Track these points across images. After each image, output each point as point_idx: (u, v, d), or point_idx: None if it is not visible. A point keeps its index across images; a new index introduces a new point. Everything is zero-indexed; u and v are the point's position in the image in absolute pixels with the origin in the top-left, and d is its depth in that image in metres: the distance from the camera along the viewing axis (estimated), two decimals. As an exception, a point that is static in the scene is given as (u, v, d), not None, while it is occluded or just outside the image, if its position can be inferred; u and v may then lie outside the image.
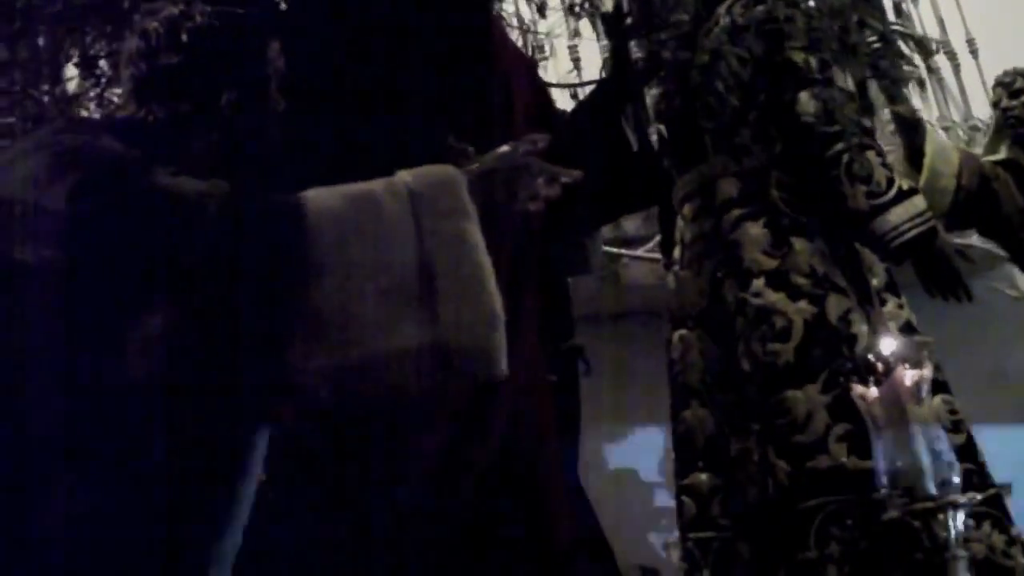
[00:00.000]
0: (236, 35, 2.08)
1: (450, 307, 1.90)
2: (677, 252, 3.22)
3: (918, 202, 2.98)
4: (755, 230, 3.04)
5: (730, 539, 3.02)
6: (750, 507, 2.99)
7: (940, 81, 6.02)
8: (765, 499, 2.94)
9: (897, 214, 2.95)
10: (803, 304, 2.96)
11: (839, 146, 2.96)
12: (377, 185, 1.96)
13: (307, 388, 1.84)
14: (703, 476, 3.07)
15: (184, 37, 2.04)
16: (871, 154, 2.98)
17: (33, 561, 1.74)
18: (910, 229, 2.95)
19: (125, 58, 2.09)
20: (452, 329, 1.89)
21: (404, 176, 1.97)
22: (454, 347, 1.89)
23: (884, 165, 2.98)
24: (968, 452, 2.86)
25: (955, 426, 2.89)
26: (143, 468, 1.80)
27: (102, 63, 2.67)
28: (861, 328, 2.96)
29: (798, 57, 2.95)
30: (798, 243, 3.01)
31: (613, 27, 3.13)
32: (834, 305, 2.97)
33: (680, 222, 3.23)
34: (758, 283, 3.00)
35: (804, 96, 2.99)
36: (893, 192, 2.96)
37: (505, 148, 2.08)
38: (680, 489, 3.11)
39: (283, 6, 2.49)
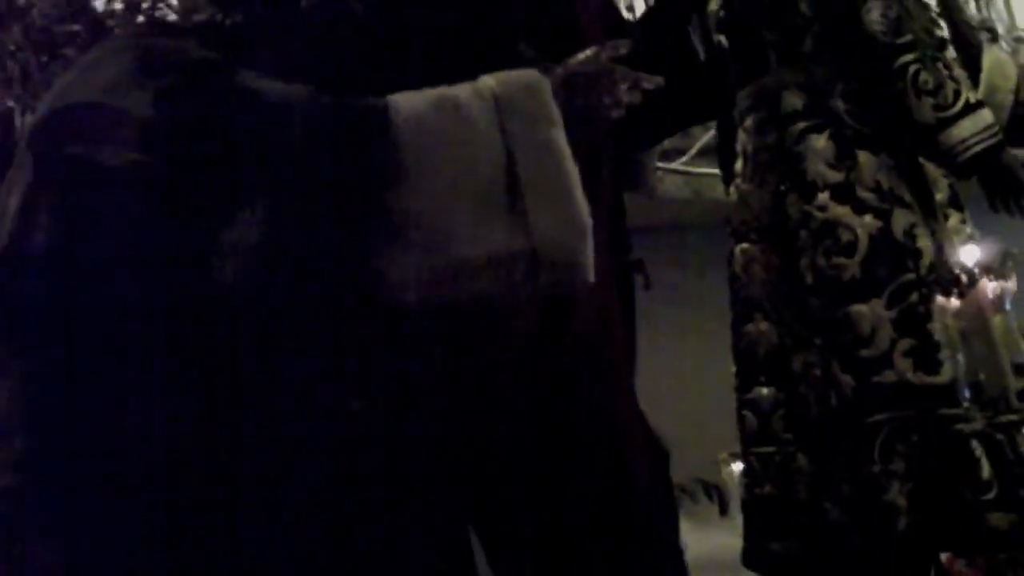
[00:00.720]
0: None
1: (539, 215, 1.88)
2: (739, 165, 3.19)
3: (986, 115, 2.94)
4: (820, 143, 3.00)
5: (792, 453, 3.01)
6: (812, 421, 2.97)
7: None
8: (828, 413, 2.93)
9: (964, 127, 2.92)
10: (868, 218, 2.94)
11: (906, 57, 2.91)
12: (462, 90, 1.93)
13: (394, 292, 1.82)
14: (765, 390, 3.06)
15: None
16: (939, 66, 2.93)
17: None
18: (977, 143, 2.91)
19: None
20: (541, 237, 1.87)
21: (489, 81, 1.94)
22: (543, 254, 1.87)
23: (952, 78, 2.94)
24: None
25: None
26: (230, 369, 1.79)
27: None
28: (926, 243, 2.94)
29: None
30: (863, 156, 2.98)
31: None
32: (899, 219, 2.94)
33: (742, 134, 3.19)
34: (823, 196, 2.97)
35: (872, 6, 2.94)
36: (960, 105, 2.92)
37: (588, 53, 2.05)
38: (741, 403, 3.10)
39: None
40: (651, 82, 2.06)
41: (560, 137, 1.92)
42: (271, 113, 1.83)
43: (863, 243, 2.91)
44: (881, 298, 2.88)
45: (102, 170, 1.81)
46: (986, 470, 2.78)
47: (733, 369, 3.15)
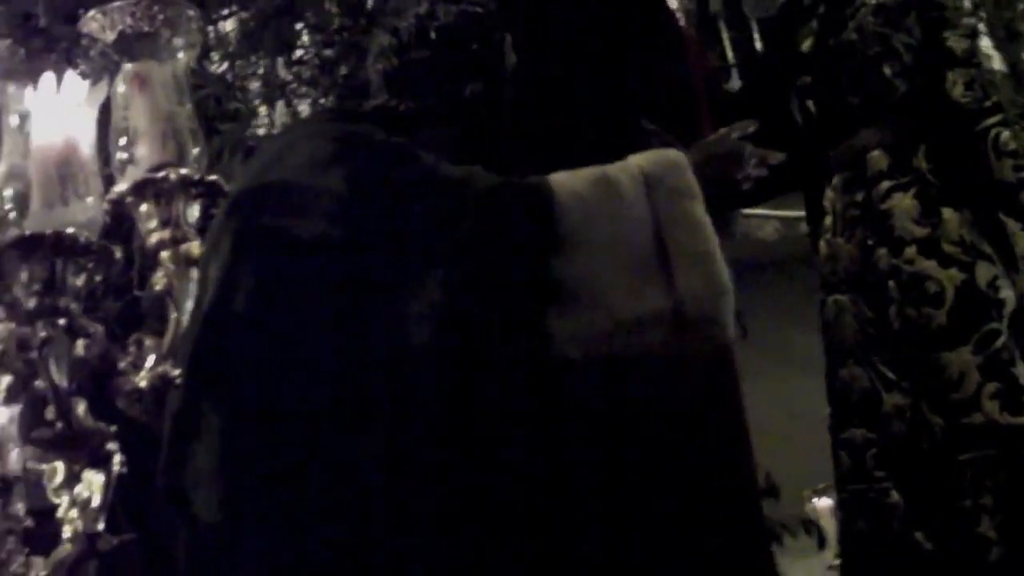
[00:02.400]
0: (477, 31, 2.30)
1: (685, 279, 2.12)
2: (828, 221, 3.43)
3: (1063, 175, 3.18)
4: (906, 201, 3.24)
5: (885, 490, 3.23)
6: (904, 460, 3.20)
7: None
8: (919, 452, 3.16)
9: (1043, 186, 3.15)
10: (953, 271, 3.17)
11: (989, 121, 3.15)
12: (613, 169, 2.18)
13: (564, 353, 2.06)
14: (858, 431, 3.29)
15: (432, 34, 2.27)
16: (1019, 129, 3.17)
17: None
18: (1055, 200, 3.14)
19: (374, 53, 2.31)
20: (689, 299, 2.11)
21: (637, 160, 2.19)
22: (691, 315, 2.11)
23: (1030, 139, 3.17)
24: None
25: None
26: (424, 429, 2.03)
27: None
28: (1009, 293, 3.16)
29: (956, 44, 3.14)
30: (947, 212, 3.21)
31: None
32: (983, 272, 3.17)
33: (830, 193, 3.43)
34: (910, 251, 3.21)
35: (957, 77, 3.19)
36: (1039, 165, 3.15)
37: (721, 132, 2.30)
38: (836, 443, 3.33)
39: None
40: (775, 158, 2.31)
41: (701, 209, 2.17)
42: (450, 190, 2.08)
43: (949, 294, 3.15)
44: (968, 345, 3.11)
45: (298, 241, 2.05)
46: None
47: (828, 411, 3.37)
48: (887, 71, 3.17)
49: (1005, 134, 3.15)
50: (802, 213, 3.73)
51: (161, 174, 1.77)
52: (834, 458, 3.35)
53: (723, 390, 2.30)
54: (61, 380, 1.64)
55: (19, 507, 1.94)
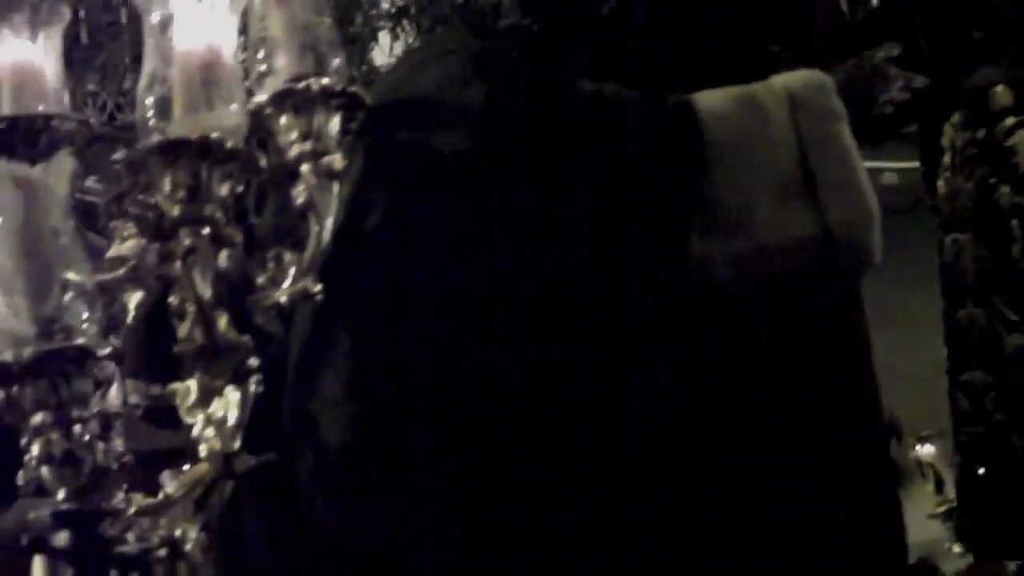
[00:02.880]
0: None
1: (833, 203, 2.03)
2: (946, 159, 3.33)
3: None
4: (1030, 138, 3.15)
5: (1004, 433, 3.15)
6: (1024, 402, 3.13)
7: None
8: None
9: None
10: (1080, 210, 3.07)
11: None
12: (757, 88, 2.10)
13: (710, 275, 1.99)
14: (977, 373, 3.21)
15: None
16: None
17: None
18: None
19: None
20: (836, 224, 2.02)
21: (781, 80, 2.10)
22: (839, 240, 2.02)
23: None
24: None
25: None
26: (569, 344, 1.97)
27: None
28: None
29: None
30: (1074, 149, 3.11)
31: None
32: (1111, 208, 3.08)
33: (949, 130, 3.34)
34: (1035, 188, 3.11)
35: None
36: None
37: (865, 54, 2.21)
38: (954, 386, 3.25)
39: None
40: (920, 81, 2.22)
41: (847, 132, 2.08)
42: (593, 107, 2.01)
43: (1074, 232, 3.05)
44: (1095, 284, 3.02)
45: (435, 156, 1.99)
46: None
47: (944, 353, 3.29)
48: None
49: None
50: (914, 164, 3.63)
51: (301, 84, 1.70)
52: (951, 401, 3.28)
53: (858, 320, 2.23)
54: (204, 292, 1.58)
55: (118, 443, 1.89)
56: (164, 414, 1.84)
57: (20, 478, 1.68)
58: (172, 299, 1.68)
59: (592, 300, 1.99)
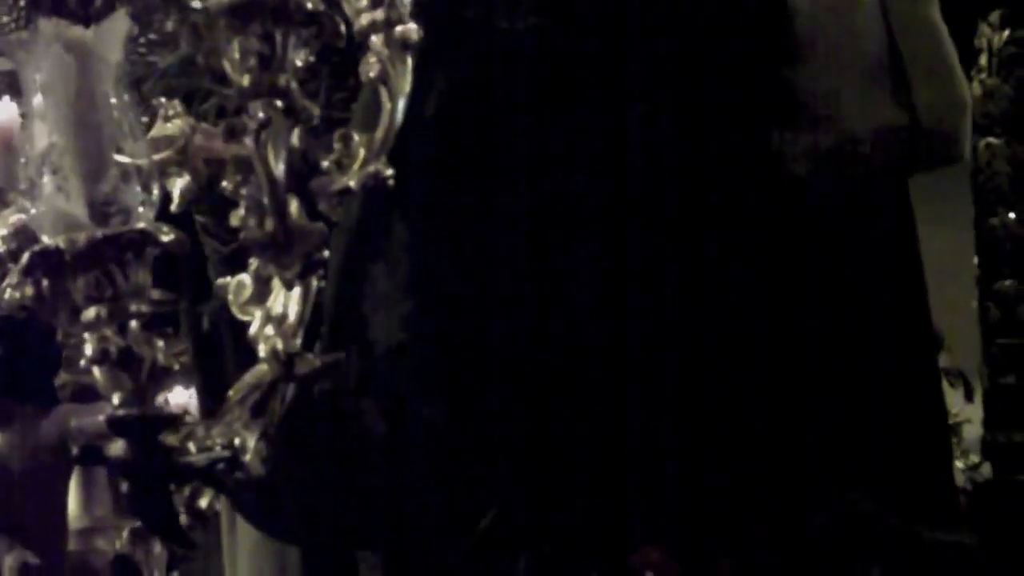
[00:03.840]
0: None
1: (924, 92, 1.91)
2: (983, 59, 3.20)
3: None
4: (1075, 36, 3.01)
5: (1037, 345, 3.05)
6: (1060, 313, 3.02)
7: None
8: (1078, 305, 2.97)
9: None
10: (1125, 110, 2.95)
11: None
12: (846, -34, 1.95)
13: (792, 170, 1.86)
14: (1009, 282, 3.10)
15: None
16: None
17: None
18: None
19: None
20: (925, 112, 1.90)
21: (867, -40, 1.96)
22: (927, 129, 1.91)
23: None
24: None
25: None
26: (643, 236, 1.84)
27: None
28: None
29: None
30: (1118, 49, 2.99)
31: None
32: None
33: (986, 28, 3.20)
34: (1078, 90, 2.99)
35: None
36: None
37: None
38: (985, 294, 3.14)
39: None
40: None
41: (938, 16, 1.95)
42: None
43: (1120, 134, 2.93)
44: None
45: (500, 34, 1.84)
46: None
47: (975, 260, 3.18)
48: None
49: None
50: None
51: (375, -56, 1.53)
52: (981, 311, 3.16)
53: (911, 227, 2.12)
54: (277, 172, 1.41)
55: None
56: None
57: (59, 380, 1.52)
58: (225, 183, 1.51)
59: (668, 191, 1.86)
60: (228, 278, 1.63)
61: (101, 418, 1.41)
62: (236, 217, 1.56)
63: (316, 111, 1.44)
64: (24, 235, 1.74)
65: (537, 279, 1.87)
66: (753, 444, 1.87)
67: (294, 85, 1.42)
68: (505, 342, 1.84)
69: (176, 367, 1.41)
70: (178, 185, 1.65)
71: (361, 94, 1.79)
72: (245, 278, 1.60)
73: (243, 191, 1.56)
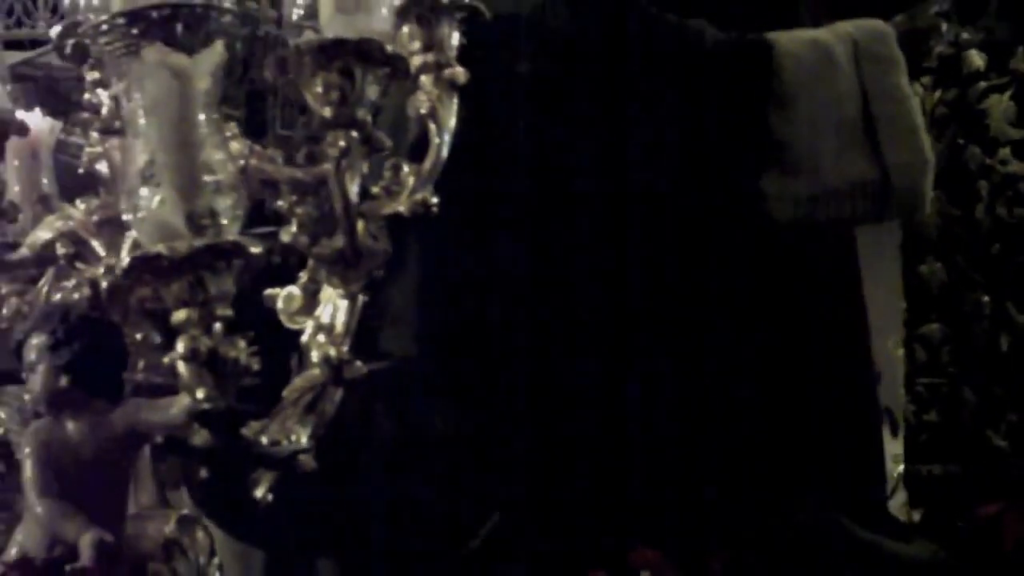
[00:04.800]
0: None
1: (891, 149, 2.11)
2: (918, 119, 3.42)
3: None
4: (1003, 102, 3.24)
5: (958, 386, 3.27)
6: (979, 357, 3.24)
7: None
8: (997, 351, 3.19)
9: None
10: (1047, 174, 3.19)
11: (1094, 29, 3.16)
12: (825, 33, 2.16)
13: (772, 212, 2.05)
14: (935, 326, 3.32)
15: None
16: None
17: None
18: None
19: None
20: (895, 170, 2.11)
21: (846, 27, 2.17)
22: (894, 185, 2.11)
23: None
24: None
25: None
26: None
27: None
28: (1098, 200, 3.20)
29: None
30: (1044, 116, 3.22)
31: None
32: (1078, 177, 3.20)
33: (919, 90, 3.41)
34: (1004, 151, 3.21)
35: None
36: None
37: (917, 7, 2.28)
38: (911, 337, 3.36)
39: None
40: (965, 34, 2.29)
41: (907, 83, 2.16)
42: (679, 38, 2.05)
43: (1042, 197, 3.17)
44: (1060, 247, 3.14)
45: (513, 78, 2.01)
46: None
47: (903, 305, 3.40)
48: None
49: (1110, 44, 3.16)
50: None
51: (428, -6, 1.70)
52: (907, 351, 3.37)
53: (858, 271, 2.32)
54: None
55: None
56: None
57: (133, 375, 1.66)
58: (281, 203, 1.67)
59: (657, 226, 2.04)
60: (277, 289, 1.77)
61: (174, 411, 1.55)
62: (288, 233, 1.71)
63: (388, 143, 1.59)
64: (72, 239, 1.89)
65: (536, 289, 2.03)
66: (734, 457, 2.06)
67: (369, 118, 1.58)
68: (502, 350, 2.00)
69: (255, 366, 1.54)
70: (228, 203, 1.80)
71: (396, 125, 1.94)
72: (294, 290, 1.75)
73: (298, 210, 1.71)
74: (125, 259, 1.49)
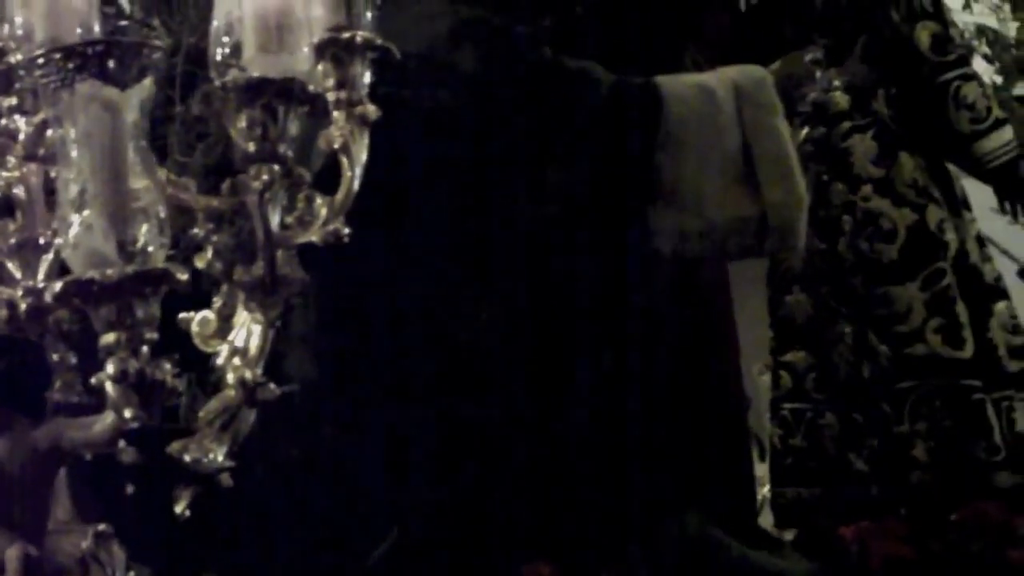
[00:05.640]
0: None
1: (769, 187, 2.25)
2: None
3: (1008, 131, 3.42)
4: (865, 141, 3.43)
5: (821, 411, 3.45)
6: (841, 384, 3.42)
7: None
8: (859, 378, 3.37)
9: (993, 140, 3.38)
10: (906, 211, 3.38)
11: (951, 74, 3.36)
12: (709, 78, 2.29)
13: (658, 247, 2.18)
14: (800, 354, 3.49)
15: None
16: (974, 84, 3.40)
17: None
18: (1003, 155, 3.38)
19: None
20: (772, 207, 2.24)
21: (729, 72, 2.31)
22: (772, 221, 2.24)
23: (984, 95, 3.40)
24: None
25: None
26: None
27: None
28: (952, 236, 3.40)
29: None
30: (903, 156, 3.42)
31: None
32: (932, 214, 3.40)
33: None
34: (866, 188, 3.41)
35: (921, 28, 3.38)
36: (991, 120, 3.38)
37: (793, 55, 2.44)
38: (778, 364, 3.52)
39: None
40: (841, 81, 2.45)
41: (783, 124, 2.30)
42: (573, 80, 2.16)
43: (901, 232, 3.36)
44: (915, 281, 3.33)
45: (415, 111, 2.10)
46: (997, 435, 3.26)
47: (770, 334, 3.56)
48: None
49: (965, 87, 3.36)
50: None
51: (346, 35, 1.79)
52: (773, 378, 3.54)
53: (730, 301, 2.47)
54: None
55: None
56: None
57: (55, 395, 1.72)
58: (196, 231, 1.74)
59: (555, 261, 2.15)
60: (191, 313, 1.84)
61: (97, 428, 1.61)
62: (202, 260, 1.79)
63: (308, 176, 1.68)
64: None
65: (434, 315, 2.13)
66: (619, 475, 2.18)
67: (290, 153, 1.66)
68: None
69: (180, 388, 1.61)
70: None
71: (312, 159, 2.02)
72: (209, 314, 1.82)
73: (214, 238, 1.78)
74: (57, 284, 1.54)
